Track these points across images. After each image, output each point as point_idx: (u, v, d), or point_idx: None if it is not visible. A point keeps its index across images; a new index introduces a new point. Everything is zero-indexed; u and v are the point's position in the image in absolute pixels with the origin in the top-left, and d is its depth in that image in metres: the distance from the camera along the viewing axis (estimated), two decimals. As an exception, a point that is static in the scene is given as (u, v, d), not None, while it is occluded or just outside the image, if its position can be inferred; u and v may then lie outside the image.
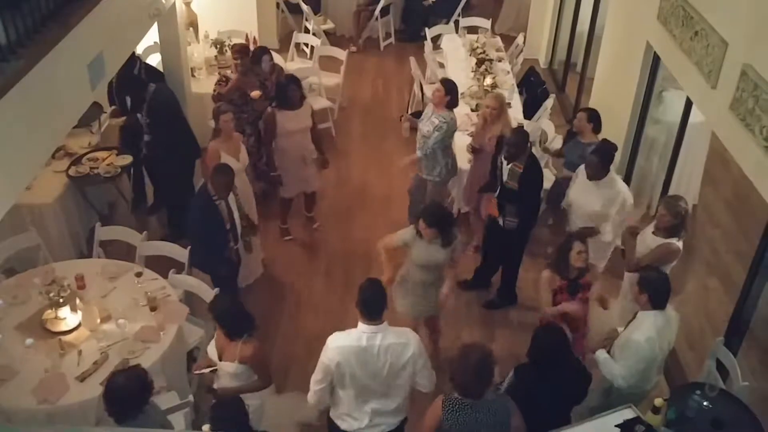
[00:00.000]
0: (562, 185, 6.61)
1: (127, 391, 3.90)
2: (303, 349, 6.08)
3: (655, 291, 4.47)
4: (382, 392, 4.24)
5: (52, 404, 4.53)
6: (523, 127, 6.70)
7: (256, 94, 7.24)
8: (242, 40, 9.04)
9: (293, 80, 6.88)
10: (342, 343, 4.12)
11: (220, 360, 4.62)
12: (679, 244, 5.17)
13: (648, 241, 5.27)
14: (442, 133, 6.60)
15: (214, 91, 7.35)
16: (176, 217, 6.92)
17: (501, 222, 6.19)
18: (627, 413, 4.43)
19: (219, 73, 8.08)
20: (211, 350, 4.75)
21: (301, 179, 7.09)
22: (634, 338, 4.46)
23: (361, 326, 4.12)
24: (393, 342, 4.12)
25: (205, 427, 3.96)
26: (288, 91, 6.72)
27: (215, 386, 4.68)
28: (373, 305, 4.11)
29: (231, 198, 5.72)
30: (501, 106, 6.74)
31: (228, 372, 4.57)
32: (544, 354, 4.34)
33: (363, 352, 4.09)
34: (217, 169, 5.67)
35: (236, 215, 5.78)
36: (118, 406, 3.90)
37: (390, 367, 4.14)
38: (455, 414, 3.83)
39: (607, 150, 5.88)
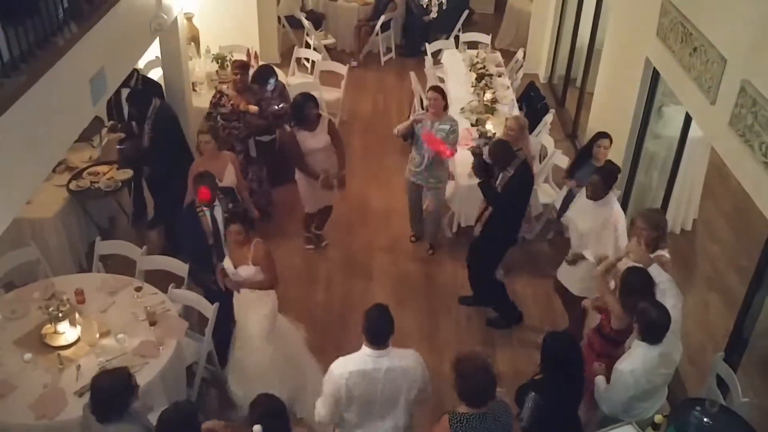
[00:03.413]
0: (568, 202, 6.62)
1: (109, 391, 3.90)
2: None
3: (648, 325, 4.33)
4: (388, 413, 4.23)
5: (50, 420, 4.51)
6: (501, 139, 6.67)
7: (253, 108, 7.20)
8: (243, 55, 9.09)
9: (311, 98, 6.79)
10: (347, 368, 4.08)
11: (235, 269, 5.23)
12: (667, 255, 5.11)
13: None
14: (456, 135, 6.80)
15: (211, 103, 7.32)
16: (174, 231, 6.94)
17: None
18: (627, 430, 4.42)
19: (215, 88, 8.00)
20: (226, 264, 5.32)
21: (322, 195, 7.08)
22: (620, 367, 4.38)
23: (365, 350, 4.10)
24: (398, 365, 4.12)
25: (257, 428, 3.90)
26: (305, 109, 6.65)
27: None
28: (379, 332, 4.09)
29: (219, 215, 5.70)
30: (520, 129, 6.75)
31: (243, 276, 5.24)
32: (562, 361, 4.26)
33: (368, 374, 4.08)
34: (196, 176, 5.75)
35: (221, 232, 5.69)
36: (99, 404, 3.91)
37: (396, 388, 4.14)
38: (463, 428, 3.79)
39: (611, 171, 5.86)
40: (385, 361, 4.09)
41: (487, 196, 6.14)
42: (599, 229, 5.71)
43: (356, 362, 4.10)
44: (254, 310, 5.38)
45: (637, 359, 4.36)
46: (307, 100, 6.75)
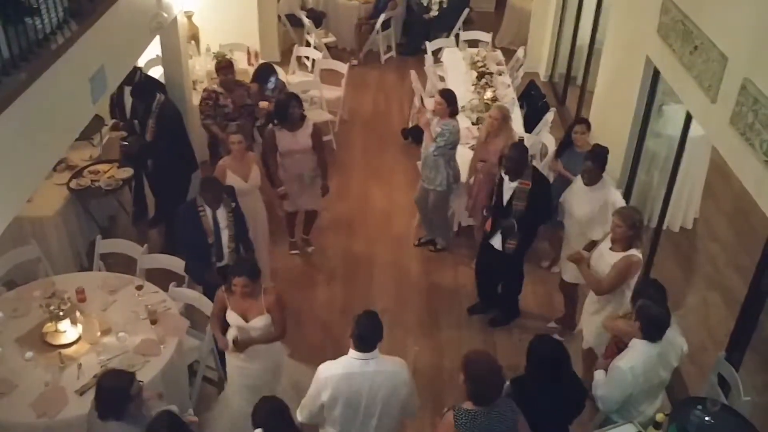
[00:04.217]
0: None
1: (109, 392, 3.98)
2: (303, 362, 6.04)
3: (648, 322, 4.33)
4: (371, 418, 4.21)
5: (51, 418, 4.51)
6: (522, 140, 6.71)
7: (263, 104, 7.21)
8: (244, 54, 9.09)
9: (294, 97, 6.80)
10: (334, 371, 4.10)
11: (247, 322, 4.89)
12: (639, 254, 5.11)
13: (606, 257, 5.18)
14: (444, 139, 6.69)
15: (206, 105, 7.25)
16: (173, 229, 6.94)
17: (500, 246, 6.15)
18: (628, 428, 4.41)
19: (205, 89, 7.75)
20: (232, 318, 4.94)
21: (297, 197, 7.02)
22: (619, 364, 4.38)
23: (352, 353, 4.12)
24: (385, 369, 4.14)
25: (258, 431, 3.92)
26: (288, 108, 6.63)
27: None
28: (368, 338, 4.10)
29: (222, 214, 5.67)
30: (503, 118, 6.78)
31: (259, 327, 4.89)
32: (543, 366, 4.27)
33: (354, 377, 4.08)
34: (201, 182, 5.74)
35: (223, 232, 5.69)
36: (99, 401, 4.00)
37: (382, 392, 4.13)
38: (469, 424, 3.80)
39: (599, 153, 5.95)
40: (372, 364, 4.11)
41: (528, 231, 6.07)
42: (599, 212, 5.78)
43: (344, 365, 4.12)
44: (263, 358, 5.09)
45: (637, 357, 4.36)
46: (290, 98, 6.76)
